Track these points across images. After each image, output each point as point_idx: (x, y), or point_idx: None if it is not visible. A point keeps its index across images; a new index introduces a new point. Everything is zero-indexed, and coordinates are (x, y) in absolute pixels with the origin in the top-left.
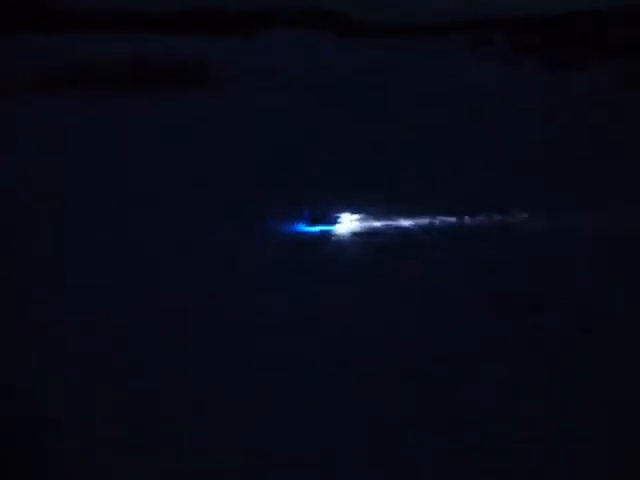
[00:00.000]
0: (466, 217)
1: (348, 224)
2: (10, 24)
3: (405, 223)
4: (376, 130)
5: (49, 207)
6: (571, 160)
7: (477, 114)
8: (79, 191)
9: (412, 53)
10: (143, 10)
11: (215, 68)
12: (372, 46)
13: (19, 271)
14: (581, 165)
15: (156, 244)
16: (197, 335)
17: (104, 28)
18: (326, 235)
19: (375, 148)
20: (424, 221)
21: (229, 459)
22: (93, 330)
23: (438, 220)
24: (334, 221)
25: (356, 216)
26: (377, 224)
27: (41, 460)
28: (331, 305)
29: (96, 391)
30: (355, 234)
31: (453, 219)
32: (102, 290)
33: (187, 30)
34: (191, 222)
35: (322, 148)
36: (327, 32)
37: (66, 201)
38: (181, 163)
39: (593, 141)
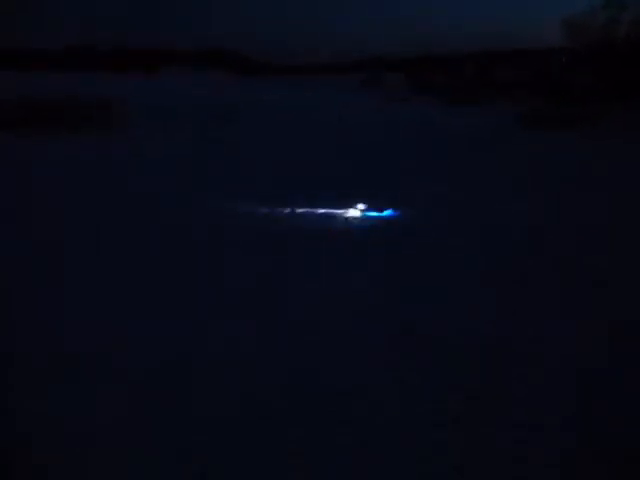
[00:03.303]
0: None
1: None
2: None
3: None
4: (278, 164)
5: None
6: (471, 196)
7: (368, 148)
8: None
9: (304, 91)
10: (41, 47)
11: (118, 106)
12: (271, 85)
13: None
14: (480, 199)
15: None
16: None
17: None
18: None
19: (275, 180)
20: None
21: None
22: None
23: None
24: None
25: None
26: None
27: None
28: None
29: None
30: None
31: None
32: None
33: (88, 67)
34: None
35: (228, 183)
36: (229, 72)
37: None
38: (86, 204)
39: (490, 177)
